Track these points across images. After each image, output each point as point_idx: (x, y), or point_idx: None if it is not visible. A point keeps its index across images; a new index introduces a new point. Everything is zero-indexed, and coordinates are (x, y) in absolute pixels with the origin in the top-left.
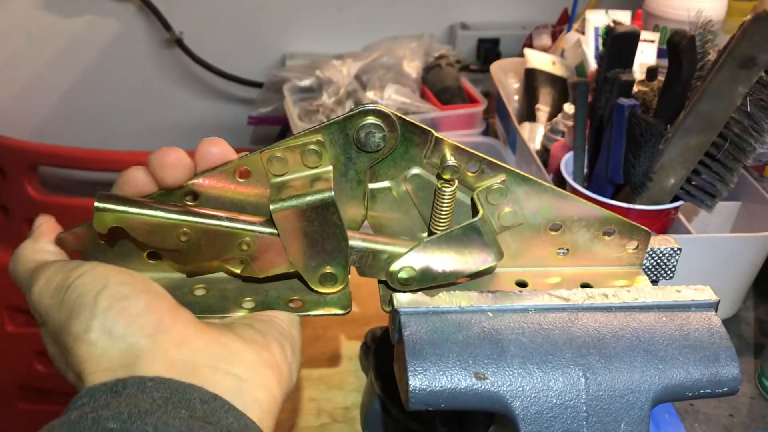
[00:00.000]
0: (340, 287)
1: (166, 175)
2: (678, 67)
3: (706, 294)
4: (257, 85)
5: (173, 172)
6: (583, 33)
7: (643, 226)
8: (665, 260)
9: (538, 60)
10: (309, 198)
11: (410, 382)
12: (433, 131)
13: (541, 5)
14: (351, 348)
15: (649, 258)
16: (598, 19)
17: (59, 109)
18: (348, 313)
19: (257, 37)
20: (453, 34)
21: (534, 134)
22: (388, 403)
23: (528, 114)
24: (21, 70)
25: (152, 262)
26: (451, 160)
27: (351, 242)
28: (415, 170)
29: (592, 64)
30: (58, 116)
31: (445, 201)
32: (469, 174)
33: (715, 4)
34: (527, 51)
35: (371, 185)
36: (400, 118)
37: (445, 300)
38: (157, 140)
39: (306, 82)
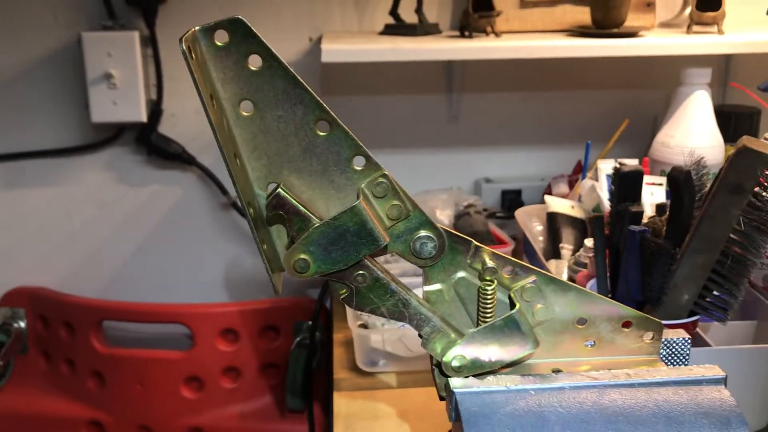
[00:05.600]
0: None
1: None
2: (679, 197)
3: (715, 371)
4: None
5: None
6: (596, 180)
7: (655, 318)
8: (678, 349)
9: (558, 205)
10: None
11: None
12: (473, 241)
13: (557, 159)
14: None
15: (664, 348)
16: (608, 168)
17: (126, 268)
18: (277, 293)
19: None
20: (478, 187)
21: (560, 270)
22: None
23: (553, 252)
24: (94, 235)
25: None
26: (490, 263)
27: (431, 316)
28: (461, 274)
29: (607, 206)
30: (124, 275)
31: (488, 297)
32: (505, 276)
33: (713, 150)
34: (548, 198)
35: (426, 288)
36: (446, 230)
37: (493, 382)
38: (211, 292)
39: None
